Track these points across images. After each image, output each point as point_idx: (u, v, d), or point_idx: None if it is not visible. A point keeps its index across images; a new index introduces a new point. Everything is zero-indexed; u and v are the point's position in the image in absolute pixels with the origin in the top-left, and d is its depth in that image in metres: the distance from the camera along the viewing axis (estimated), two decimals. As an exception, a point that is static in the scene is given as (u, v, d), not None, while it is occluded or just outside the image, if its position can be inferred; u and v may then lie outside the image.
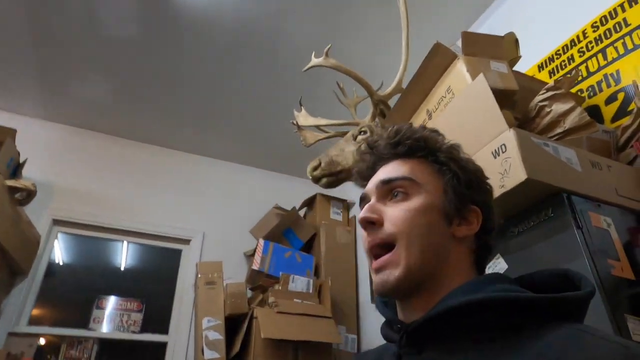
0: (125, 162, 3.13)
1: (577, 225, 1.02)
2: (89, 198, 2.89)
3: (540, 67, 1.82)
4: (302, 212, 3.26)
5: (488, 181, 0.68)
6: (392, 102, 1.89)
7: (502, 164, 1.08)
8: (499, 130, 1.11)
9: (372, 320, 2.69)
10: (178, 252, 3.04)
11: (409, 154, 0.64)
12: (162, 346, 2.67)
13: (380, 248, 0.57)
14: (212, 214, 3.23)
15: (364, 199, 0.65)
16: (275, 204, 3.25)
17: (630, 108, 1.40)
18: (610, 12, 1.57)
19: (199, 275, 2.49)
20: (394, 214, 0.58)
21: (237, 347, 2.22)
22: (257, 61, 2.60)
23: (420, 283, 0.55)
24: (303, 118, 1.90)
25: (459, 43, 1.49)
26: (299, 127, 1.90)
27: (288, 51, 2.54)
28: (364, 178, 0.69)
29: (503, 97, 1.27)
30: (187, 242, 3.06)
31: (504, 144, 1.09)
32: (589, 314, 0.90)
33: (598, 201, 1.11)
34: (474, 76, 1.25)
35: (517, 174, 1.03)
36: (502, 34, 2.06)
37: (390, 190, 0.61)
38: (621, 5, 1.53)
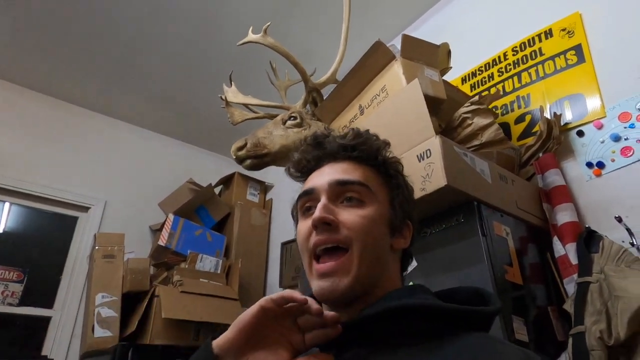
0: (18, 112, 2.73)
1: (483, 233, 1.11)
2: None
3: (464, 80, 1.94)
4: (217, 190, 3.14)
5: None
6: (324, 92, 1.89)
7: (426, 168, 1.14)
8: (426, 136, 1.16)
9: (278, 304, 2.71)
10: (74, 220, 2.75)
11: (362, 159, 0.63)
12: (46, 321, 2.42)
13: (328, 250, 0.56)
14: (117, 182, 2.98)
15: (309, 194, 0.62)
16: (190, 178, 3.09)
17: (534, 130, 1.56)
18: (529, 40, 1.72)
19: (97, 247, 2.28)
20: (350, 218, 0.57)
21: (133, 326, 2.09)
22: (187, 27, 2.42)
23: (362, 292, 0.55)
24: (232, 94, 1.81)
25: (397, 43, 1.53)
26: (227, 103, 1.81)
27: (223, 23, 2.40)
28: (302, 170, 0.67)
29: (431, 104, 1.33)
30: (85, 209, 2.78)
31: (429, 149, 1.14)
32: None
33: (502, 212, 1.22)
34: (408, 80, 1.28)
35: (438, 180, 1.09)
36: (437, 41, 2.17)
37: (343, 192, 0.60)
38: (539, 36, 1.69)
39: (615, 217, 1.27)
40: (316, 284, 0.56)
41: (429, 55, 1.38)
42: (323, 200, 0.58)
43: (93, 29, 2.41)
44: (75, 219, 2.76)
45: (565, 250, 1.26)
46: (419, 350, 0.49)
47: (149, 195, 3.02)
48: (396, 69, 1.33)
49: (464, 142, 1.34)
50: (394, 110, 1.28)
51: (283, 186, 2.98)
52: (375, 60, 1.38)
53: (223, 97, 1.81)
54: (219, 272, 2.51)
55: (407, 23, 2.43)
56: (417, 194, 1.13)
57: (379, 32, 2.48)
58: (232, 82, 1.87)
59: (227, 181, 3.15)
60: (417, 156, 1.17)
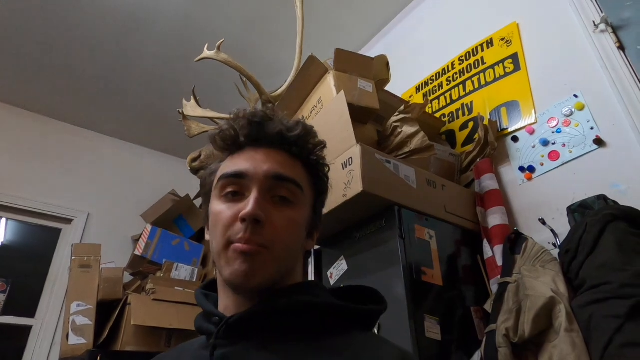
0: (2, 128, 2.85)
1: (401, 236, 1.16)
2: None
3: (418, 89, 2.00)
4: (198, 201, 3.22)
5: None
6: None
7: (347, 175, 1.20)
8: (349, 145, 1.22)
9: (255, 311, 2.76)
10: (57, 232, 2.85)
11: (298, 154, 0.59)
12: (27, 330, 2.50)
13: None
14: (100, 195, 3.06)
15: (239, 176, 0.55)
16: (172, 189, 3.18)
17: (475, 137, 1.61)
18: (473, 50, 1.78)
19: (73, 257, 2.36)
20: (277, 220, 0.53)
21: (105, 333, 2.15)
22: (166, 46, 2.52)
23: (271, 287, 0.54)
24: (191, 108, 1.89)
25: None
26: (184, 117, 1.89)
27: (196, 38, 2.49)
28: (232, 143, 0.60)
29: (365, 114, 1.39)
30: (68, 221, 2.87)
31: (351, 158, 1.20)
32: (395, 310, 1.04)
33: (426, 215, 1.27)
34: (339, 91, 1.35)
35: (356, 186, 1.15)
36: (394, 56, 2.24)
37: (277, 188, 0.55)
38: (481, 45, 1.74)
39: (539, 220, 1.31)
40: (234, 267, 0.51)
41: (363, 68, 1.44)
42: (256, 193, 0.53)
43: (75, 49, 2.51)
44: (58, 230, 2.85)
45: (493, 252, 1.30)
46: (307, 345, 0.50)
47: (132, 207, 3.10)
48: (329, 81, 1.39)
49: (396, 149, 1.40)
50: (325, 121, 1.34)
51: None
52: (311, 73, 1.44)
53: (180, 111, 1.89)
54: (194, 280, 2.56)
55: (367, 39, 2.50)
56: (339, 200, 1.19)
57: (341, 46, 2.56)
58: (193, 97, 1.95)
59: (208, 192, 3.22)
60: (342, 164, 1.23)
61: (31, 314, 2.57)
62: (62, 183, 2.93)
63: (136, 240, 2.91)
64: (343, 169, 1.22)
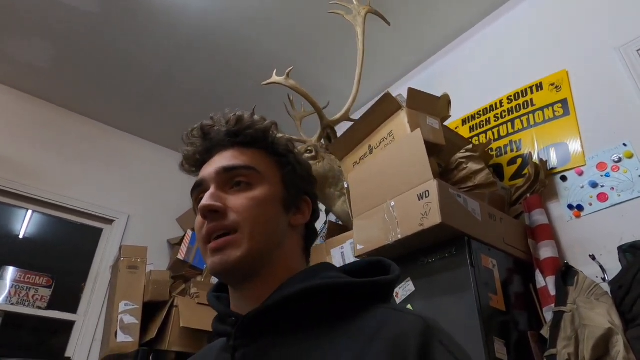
0: (55, 131, 2.97)
1: (472, 264, 1.30)
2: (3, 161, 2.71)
3: (464, 122, 2.15)
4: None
5: (313, 175, 0.72)
6: (338, 128, 2.11)
7: (424, 207, 1.33)
8: (426, 178, 1.36)
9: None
10: (99, 231, 2.96)
11: (249, 143, 0.64)
12: (70, 325, 2.61)
13: (219, 237, 0.57)
14: (139, 197, 3.19)
15: (200, 186, 0.62)
16: (206, 196, 3.31)
17: (524, 172, 1.75)
18: (522, 91, 1.92)
19: (122, 258, 2.48)
20: (238, 202, 0.57)
21: (153, 333, 2.27)
22: (214, 60, 2.66)
23: (258, 267, 0.57)
24: (256, 127, 2.02)
25: (404, 93, 1.74)
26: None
27: (248, 57, 2.64)
28: (193, 164, 0.67)
29: (432, 148, 1.53)
30: (110, 222, 2.99)
31: (427, 190, 1.34)
32: (469, 334, 1.17)
33: (489, 246, 1.41)
34: (412, 127, 1.49)
35: (434, 218, 1.28)
36: (438, 84, 2.39)
37: (231, 178, 0.60)
38: (531, 88, 1.89)
39: (590, 255, 1.45)
40: (209, 261, 0.56)
41: (430, 106, 1.59)
42: (211, 189, 0.59)
43: (129, 63, 2.66)
44: (100, 230, 2.97)
45: (546, 282, 1.44)
46: (324, 331, 0.50)
47: (168, 211, 3.23)
48: (402, 117, 1.53)
49: (459, 182, 1.54)
50: (399, 154, 1.48)
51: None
52: (384, 108, 1.58)
53: (247, 131, 2.02)
54: (231, 286, 2.69)
55: (414, 66, 2.65)
56: (416, 229, 1.33)
57: (388, 71, 2.72)
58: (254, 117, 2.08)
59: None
60: (417, 195, 1.36)
61: (73, 309, 2.68)
62: (106, 185, 3.05)
63: (174, 244, 3.04)
64: (419, 200, 1.35)
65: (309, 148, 1.94)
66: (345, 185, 1.76)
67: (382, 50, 2.53)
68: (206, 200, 0.57)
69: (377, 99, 2.81)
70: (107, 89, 2.90)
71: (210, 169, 0.62)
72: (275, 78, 1.91)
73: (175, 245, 3.02)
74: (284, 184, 0.63)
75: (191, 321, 2.23)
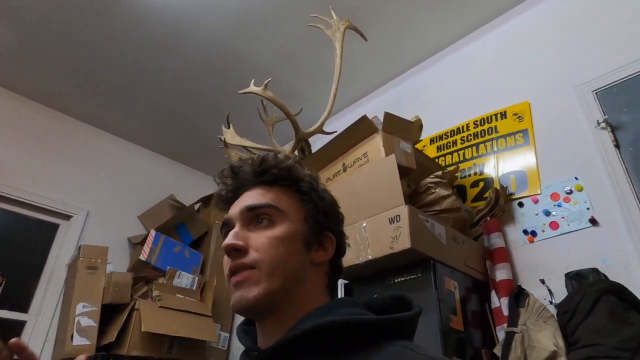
0: (14, 120, 2.80)
1: (435, 287, 1.38)
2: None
3: (432, 141, 2.24)
4: (196, 207, 3.30)
5: (340, 210, 0.72)
6: (312, 140, 2.14)
7: (395, 230, 1.40)
8: (398, 203, 1.42)
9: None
10: (54, 227, 2.84)
11: (273, 182, 0.66)
12: (20, 325, 2.50)
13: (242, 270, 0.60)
14: (100, 193, 3.08)
15: (227, 224, 0.65)
16: (171, 194, 3.25)
17: (485, 195, 1.86)
18: (488, 117, 2.04)
19: (81, 258, 2.40)
20: (258, 240, 0.59)
21: (112, 337, 2.22)
22: (189, 60, 2.62)
23: (277, 305, 0.58)
24: (230, 136, 2.02)
25: (375, 107, 1.81)
26: (225, 144, 2.02)
27: (225, 60, 2.61)
28: (224, 201, 0.70)
29: (403, 171, 1.60)
30: (67, 217, 2.87)
31: (399, 215, 1.40)
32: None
33: (452, 268, 1.50)
34: (387, 151, 1.55)
35: (404, 242, 1.35)
36: (410, 101, 2.48)
37: (255, 217, 0.62)
38: (496, 115, 2.01)
39: (540, 279, 1.57)
40: (232, 298, 0.58)
41: (404, 130, 1.66)
42: (236, 227, 0.62)
43: (97, 53, 2.56)
44: (56, 226, 2.85)
45: (500, 302, 1.55)
46: None
47: (130, 208, 3.15)
48: (377, 140, 1.59)
49: (427, 205, 1.62)
50: (373, 176, 1.54)
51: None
52: (361, 130, 1.64)
53: (222, 139, 2.02)
54: (194, 288, 2.67)
55: (390, 79, 2.73)
56: (386, 251, 1.39)
57: (362, 84, 2.78)
58: (230, 124, 2.08)
59: (207, 200, 3.32)
60: (389, 219, 1.43)
61: (24, 309, 2.57)
62: (65, 178, 2.93)
63: (136, 243, 2.97)
64: (390, 223, 1.42)
65: (283, 159, 1.97)
66: (318, 200, 1.80)
67: (358, 62, 2.58)
68: (229, 239, 0.60)
69: (347, 109, 2.91)
70: (72, 79, 2.77)
71: (236, 208, 0.64)
72: (253, 88, 1.92)
73: (137, 244, 2.95)
74: (306, 221, 0.64)
75: (153, 325, 2.21)
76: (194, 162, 3.67)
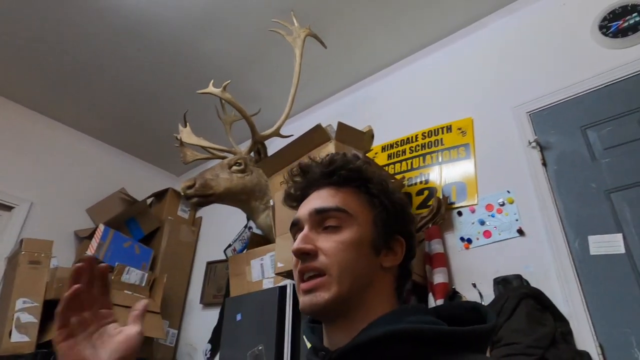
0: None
1: (377, 289, 1.48)
2: None
3: (384, 149, 2.36)
4: (148, 202, 3.25)
5: (410, 211, 0.70)
6: (269, 142, 2.19)
7: (342, 236, 1.48)
8: (346, 210, 1.51)
9: (195, 319, 2.91)
10: (-7, 218, 2.71)
11: (342, 183, 0.65)
12: (-49, 321, 2.37)
13: (311, 275, 0.60)
14: (45, 184, 2.96)
15: (296, 224, 0.65)
16: (122, 188, 3.18)
17: (429, 203, 1.99)
18: (435, 130, 2.17)
19: (23, 252, 2.32)
20: (327, 245, 0.59)
21: (53, 333, 2.16)
22: (148, 54, 2.57)
23: (346, 309, 0.58)
24: (187, 135, 2.03)
25: (330, 112, 1.88)
26: (182, 143, 2.03)
27: (184, 56, 2.59)
28: (293, 199, 0.70)
29: (354, 179, 1.69)
30: (8, 208, 2.75)
31: (346, 221, 1.49)
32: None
33: (393, 272, 1.60)
34: (338, 160, 1.63)
35: (349, 247, 1.44)
36: (364, 109, 2.58)
37: (323, 220, 0.62)
38: (442, 128, 2.15)
39: (472, 283, 1.72)
40: (300, 300, 0.59)
41: (356, 140, 1.74)
42: (305, 230, 0.62)
43: (46, 38, 2.46)
44: (-5, 217, 2.72)
45: (436, 304, 1.68)
46: None
47: (77, 200, 3.06)
48: (330, 148, 1.66)
49: (374, 212, 1.72)
50: (324, 183, 1.61)
51: (214, 205, 3.19)
52: (314, 137, 1.70)
53: (178, 137, 2.03)
54: (143, 285, 2.64)
55: (346, 86, 2.82)
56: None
57: (319, 89, 2.85)
58: (187, 123, 2.09)
59: (159, 195, 3.27)
60: (337, 224, 1.51)
61: (-43, 303, 2.43)
62: (6, 167, 2.79)
63: (83, 237, 2.89)
64: (338, 229, 1.50)
65: (239, 160, 2.01)
66: (271, 203, 1.86)
67: (316, 68, 2.64)
68: (298, 242, 0.61)
69: (303, 112, 2.97)
70: (19, 64, 2.64)
71: (304, 209, 0.65)
72: (212, 89, 1.94)
73: (84, 238, 2.87)
74: (375, 225, 0.63)
75: (98, 322, 2.17)
76: (149, 156, 3.60)
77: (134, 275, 2.62)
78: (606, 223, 1.54)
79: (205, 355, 2.62)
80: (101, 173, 3.30)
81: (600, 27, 1.82)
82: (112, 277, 2.52)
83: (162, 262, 2.89)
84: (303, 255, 0.60)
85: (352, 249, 0.59)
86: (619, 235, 1.51)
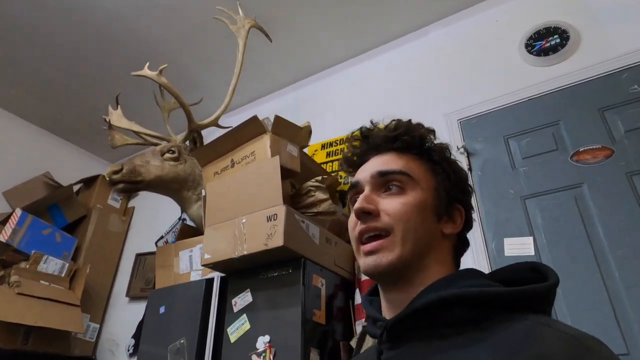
0: None
1: (303, 283, 1.48)
2: None
3: (323, 146, 2.38)
4: (75, 188, 3.05)
5: (470, 183, 0.70)
6: (206, 132, 2.14)
7: (271, 228, 1.47)
8: (276, 202, 1.50)
9: (120, 313, 2.77)
10: None
11: (405, 149, 0.65)
12: None
13: (371, 238, 0.59)
14: (-44, 162, 2.70)
15: (356, 186, 0.64)
16: (47, 171, 2.97)
17: (362, 202, 2.03)
18: (373, 131, 2.22)
19: None
20: (390, 205, 0.59)
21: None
22: (82, 30, 2.42)
23: (408, 272, 0.57)
24: (117, 118, 1.93)
25: (273, 107, 1.88)
26: (110, 126, 1.92)
27: (123, 36, 2.46)
28: (351, 164, 0.70)
29: (287, 173, 1.69)
30: None
31: (276, 214, 1.48)
32: (291, 345, 1.33)
33: (322, 267, 1.62)
34: (273, 152, 1.62)
35: (278, 240, 1.43)
36: (306, 106, 2.59)
37: (385, 183, 0.61)
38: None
39: (397, 280, 1.77)
40: (362, 262, 0.59)
41: (293, 134, 1.74)
42: (365, 191, 0.61)
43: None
44: None
45: (362, 300, 1.71)
46: (467, 339, 0.49)
47: (-7, 182, 2.81)
48: (265, 141, 1.65)
49: (306, 207, 1.73)
50: (257, 175, 1.60)
51: (148, 196, 3.06)
52: (251, 129, 1.68)
53: (107, 119, 1.92)
54: (63, 275, 2.48)
55: (289, 83, 2.81)
56: (261, 247, 1.46)
57: (262, 83, 2.82)
58: (119, 106, 1.99)
59: (89, 181, 3.08)
60: (267, 217, 1.50)
61: None
62: None
63: (-3, 222, 2.65)
64: (267, 221, 1.49)
65: (172, 148, 1.94)
66: (203, 193, 1.81)
67: (261, 62, 2.62)
68: (360, 202, 0.59)
69: (245, 106, 2.94)
70: None
71: (366, 171, 0.64)
72: (147, 72, 1.86)
73: (-2, 223, 2.64)
74: (437, 192, 0.62)
75: (7, 313, 2.01)
76: (79, 139, 3.37)
77: (52, 265, 2.45)
78: (520, 227, 1.66)
79: (128, 350, 2.50)
80: (24, 154, 3.06)
81: (526, 45, 1.95)
82: (28, 266, 2.35)
83: (87, 252, 2.72)
84: (365, 214, 0.59)
85: (415, 212, 0.58)
86: (530, 239, 1.63)
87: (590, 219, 1.55)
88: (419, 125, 0.69)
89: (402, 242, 0.56)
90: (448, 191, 0.64)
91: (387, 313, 0.60)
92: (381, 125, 0.70)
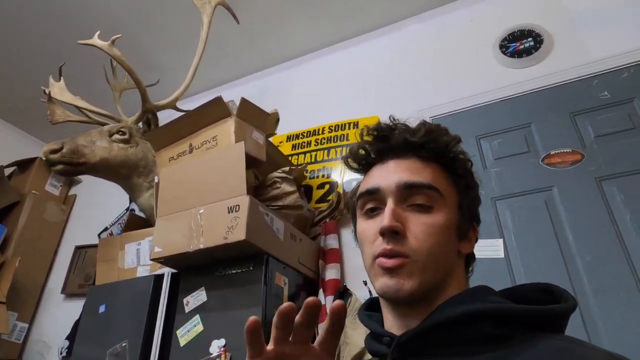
0: None
1: (265, 282, 1.36)
2: None
3: (289, 138, 2.25)
4: (8, 171, 2.74)
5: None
6: (161, 115, 1.95)
7: (232, 220, 1.33)
8: (239, 193, 1.36)
9: (53, 311, 2.50)
10: None
11: (430, 157, 0.59)
12: None
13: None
14: None
15: (374, 193, 0.58)
16: (-26, 151, 2.64)
17: (328, 198, 1.94)
18: (342, 124, 2.13)
19: None
20: (417, 227, 0.54)
21: None
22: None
23: (427, 296, 0.54)
24: (58, 90, 1.71)
25: (236, 94, 1.73)
26: (50, 99, 1.69)
27: (75, 6, 2.20)
28: (360, 161, 0.64)
29: (252, 161, 1.55)
30: None
31: (238, 205, 1.35)
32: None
33: (285, 264, 1.50)
34: (237, 138, 1.48)
35: (239, 233, 1.29)
36: (272, 95, 2.46)
37: (411, 195, 0.56)
38: (349, 124, 2.12)
39: (363, 281, 1.68)
40: (380, 281, 0.54)
41: (259, 120, 1.61)
42: (390, 204, 0.55)
43: None
44: None
45: (325, 301, 1.61)
46: (492, 357, 0.47)
47: None
48: (229, 125, 1.51)
49: (271, 199, 1.60)
50: (219, 162, 1.45)
51: (93, 183, 2.78)
52: (213, 111, 1.53)
53: (47, 91, 1.69)
54: (-13, 268, 2.19)
55: (256, 70, 2.66)
56: (220, 241, 1.32)
57: (226, 68, 2.66)
58: (62, 77, 1.76)
59: (24, 164, 2.77)
60: (228, 208, 1.36)
61: None
62: None
63: None
64: (229, 212, 1.35)
65: (122, 129, 1.74)
66: (156, 180, 1.64)
67: (226, 45, 2.45)
68: (389, 219, 0.53)
69: (207, 92, 2.75)
70: None
71: (388, 178, 0.57)
72: (96, 41, 1.65)
73: None
74: (461, 210, 0.58)
75: None
76: (13, 116, 3.01)
77: (-26, 256, 2.16)
78: (491, 229, 1.62)
79: (61, 353, 2.25)
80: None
81: (501, 47, 1.94)
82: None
83: (17, 242, 2.43)
84: (393, 234, 0.53)
85: (441, 234, 0.55)
86: (500, 241, 1.59)
87: (560, 223, 1.53)
88: (445, 131, 0.62)
89: (423, 269, 0.53)
90: (470, 209, 0.61)
91: (395, 329, 0.56)
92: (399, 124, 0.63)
